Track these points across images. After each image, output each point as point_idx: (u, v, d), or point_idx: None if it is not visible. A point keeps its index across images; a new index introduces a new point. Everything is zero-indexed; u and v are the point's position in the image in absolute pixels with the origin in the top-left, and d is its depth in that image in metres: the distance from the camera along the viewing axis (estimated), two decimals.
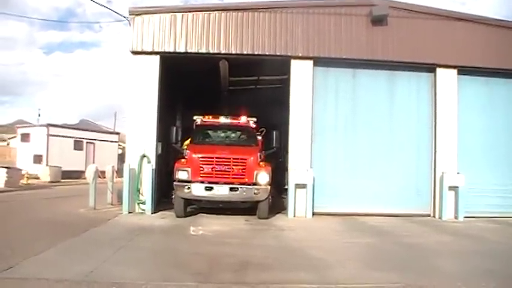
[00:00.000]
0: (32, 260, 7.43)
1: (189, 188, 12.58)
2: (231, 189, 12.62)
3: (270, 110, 17.51)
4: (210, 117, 15.08)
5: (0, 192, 20.07)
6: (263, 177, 12.87)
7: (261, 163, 13.37)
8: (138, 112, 14.06)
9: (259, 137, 15.04)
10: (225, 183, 12.69)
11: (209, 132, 15.25)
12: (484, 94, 15.50)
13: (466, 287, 6.57)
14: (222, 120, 15.08)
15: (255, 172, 12.86)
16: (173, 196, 13.04)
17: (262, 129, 15.40)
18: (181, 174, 12.77)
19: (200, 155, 12.94)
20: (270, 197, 13.16)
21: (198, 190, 12.60)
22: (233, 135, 15.26)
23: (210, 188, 12.63)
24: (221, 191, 12.62)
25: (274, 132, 14.45)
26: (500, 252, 9.43)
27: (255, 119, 15.20)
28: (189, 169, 12.75)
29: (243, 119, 15.11)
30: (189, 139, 14.80)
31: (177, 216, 12.86)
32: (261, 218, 13.07)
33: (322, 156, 14.67)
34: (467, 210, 14.44)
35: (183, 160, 13.34)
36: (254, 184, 12.79)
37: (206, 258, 8.07)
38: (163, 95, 14.55)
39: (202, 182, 12.69)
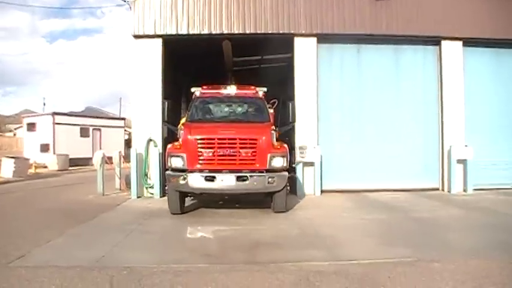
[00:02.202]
0: (43, 248, 7.47)
1: (184, 178, 10.03)
2: (239, 178, 10.02)
3: (275, 89, 17.38)
4: (211, 87, 12.73)
5: (9, 182, 20.15)
6: (279, 161, 10.33)
7: (276, 143, 10.81)
8: (143, 96, 14.03)
9: (271, 111, 12.80)
10: (231, 171, 10.09)
11: (210, 106, 12.60)
12: (491, 65, 15.38)
13: (480, 260, 6.54)
14: (226, 90, 12.67)
15: (269, 155, 10.24)
16: (166, 188, 11.10)
17: (274, 100, 13.41)
18: (174, 162, 10.30)
19: (198, 136, 10.31)
20: (288, 186, 11.07)
21: (196, 181, 10.03)
22: (240, 109, 12.62)
23: (212, 178, 9.99)
24: (226, 182, 10.00)
25: (291, 104, 12.35)
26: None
27: (265, 89, 12.77)
28: (184, 155, 10.19)
29: (252, 89, 12.72)
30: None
31: (172, 213, 10.66)
32: (277, 212, 10.75)
33: (329, 134, 14.63)
34: (475, 183, 14.43)
35: (176, 143, 10.98)
36: (268, 170, 10.21)
37: (216, 239, 8.08)
38: (167, 78, 14.50)
39: (201, 170, 10.12)
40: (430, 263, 6.37)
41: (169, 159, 10.46)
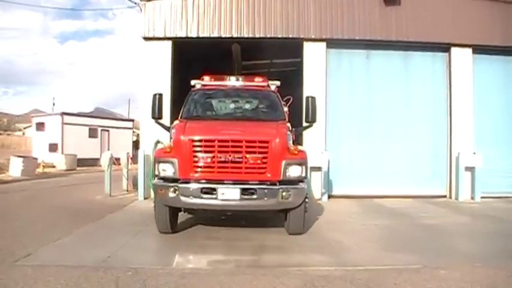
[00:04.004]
0: (49, 247, 7.50)
1: (175, 190, 7.91)
2: (245, 191, 7.88)
3: (284, 93, 17.39)
4: (213, 78, 10.84)
5: (17, 181, 20.25)
6: (296, 170, 8.20)
7: (292, 147, 8.59)
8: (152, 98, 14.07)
9: (286, 109, 10.49)
10: (235, 182, 7.95)
11: (210, 100, 10.68)
12: (500, 73, 15.35)
13: (485, 267, 6.50)
14: (231, 82, 10.78)
15: (284, 163, 8.07)
16: (154, 202, 8.79)
17: (289, 97, 11.06)
18: (163, 169, 8.20)
19: (194, 137, 8.11)
20: (307, 201, 8.67)
21: (190, 194, 7.95)
22: (247, 105, 10.62)
23: (210, 191, 7.86)
24: (228, 196, 7.85)
25: (310, 100, 9.76)
26: None
27: (278, 83, 10.99)
28: (175, 160, 8.07)
29: (262, 81, 10.88)
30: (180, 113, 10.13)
31: (161, 232, 8.63)
32: (293, 234, 8.69)
33: (337, 139, 14.61)
34: (483, 191, 14.37)
35: (167, 145, 8.96)
36: (281, 182, 8.06)
37: (223, 242, 8.07)
38: (176, 80, 14.54)
39: (197, 180, 7.99)
40: (436, 270, 6.34)
41: (156, 165, 8.40)
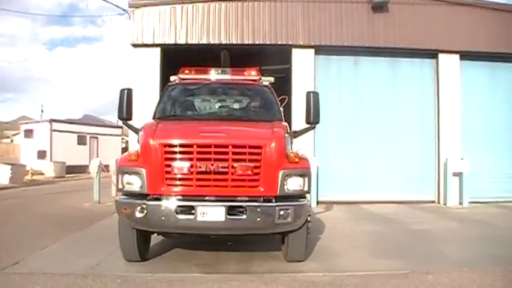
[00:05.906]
0: (37, 255, 7.45)
1: (143, 209, 6.15)
2: (231, 210, 6.09)
3: None
4: (194, 71, 9.14)
5: (5, 188, 20.10)
6: (296, 182, 6.44)
7: (291, 153, 6.64)
8: (140, 105, 14.02)
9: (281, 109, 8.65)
10: (219, 198, 6.20)
11: (191, 97, 8.97)
12: (488, 79, 15.49)
13: (472, 272, 6.54)
14: (215, 75, 8.99)
15: (281, 173, 6.31)
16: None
17: (284, 96, 9.56)
18: (128, 182, 6.41)
19: (166, 141, 6.35)
20: (309, 219, 6.90)
21: (161, 214, 6.14)
22: (236, 105, 8.98)
23: (188, 210, 6.09)
24: (210, 216, 6.06)
25: (312, 96, 7.75)
26: (506, 237, 9.38)
27: (272, 79, 9.32)
28: (142, 171, 6.28)
29: (254, 74, 9.08)
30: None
31: (127, 260, 6.93)
32: (292, 261, 7.06)
33: (325, 145, 14.64)
34: (471, 196, 14.44)
35: (133, 152, 6.72)
36: (278, 197, 6.30)
37: (212, 248, 8.03)
38: (164, 86, 14.53)
39: (170, 197, 6.25)
40: (424, 275, 6.36)
41: (120, 176, 6.61)
